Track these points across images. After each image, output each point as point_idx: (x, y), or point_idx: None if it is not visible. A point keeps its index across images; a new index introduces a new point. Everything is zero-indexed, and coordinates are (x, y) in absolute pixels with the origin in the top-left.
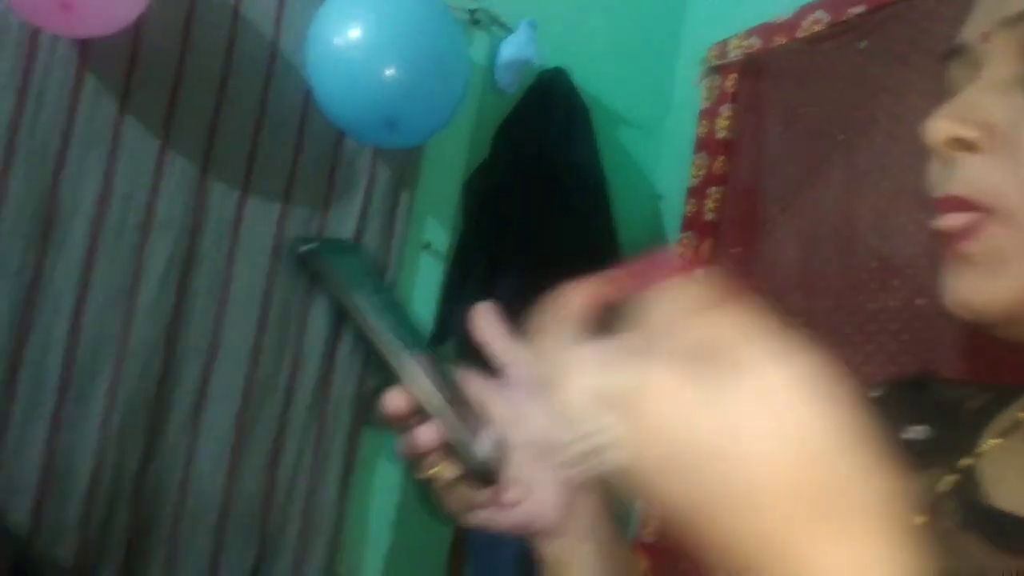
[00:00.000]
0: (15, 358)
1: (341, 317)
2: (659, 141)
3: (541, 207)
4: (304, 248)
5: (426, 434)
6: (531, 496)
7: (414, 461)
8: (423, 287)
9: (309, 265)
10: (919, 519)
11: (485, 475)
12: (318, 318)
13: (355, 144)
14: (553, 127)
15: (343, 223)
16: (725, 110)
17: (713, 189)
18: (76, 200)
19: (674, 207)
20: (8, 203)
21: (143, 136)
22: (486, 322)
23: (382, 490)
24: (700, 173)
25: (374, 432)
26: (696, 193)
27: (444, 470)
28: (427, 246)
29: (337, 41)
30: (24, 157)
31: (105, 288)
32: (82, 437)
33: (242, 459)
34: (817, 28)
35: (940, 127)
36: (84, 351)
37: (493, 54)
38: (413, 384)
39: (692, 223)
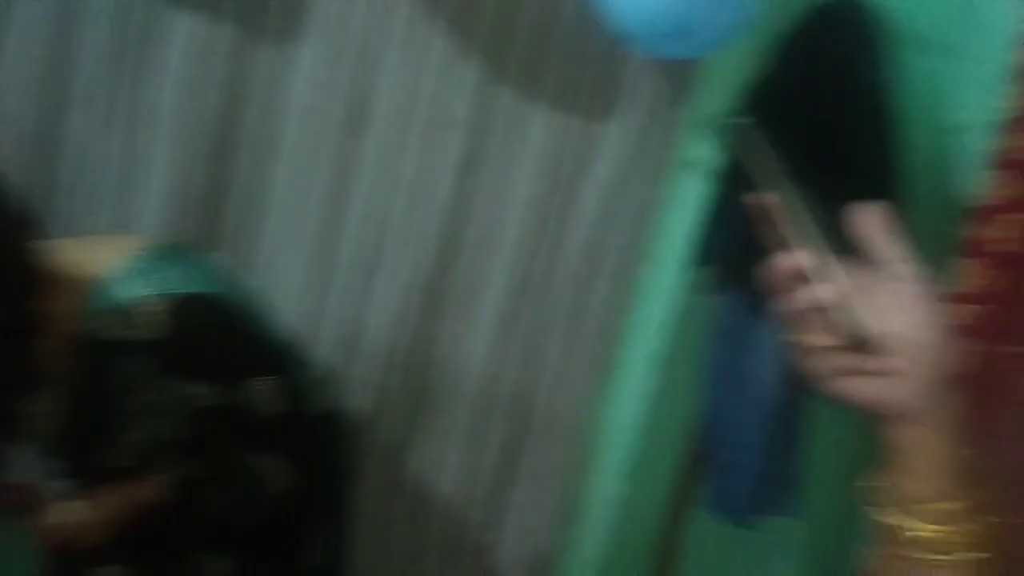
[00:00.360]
0: (322, 236)
1: (749, 182)
2: (963, 68)
3: (819, 130)
4: (737, 120)
5: (811, 296)
6: (897, 378)
7: (792, 322)
8: (689, 206)
9: (740, 135)
10: None
11: (859, 344)
12: (580, 231)
13: (637, 54)
14: (841, 45)
15: (620, 133)
16: None
17: None
18: (377, 95)
19: (976, 142)
20: (325, 96)
21: (436, 38)
22: (872, 218)
23: (632, 398)
24: (1019, 105)
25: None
26: (1012, 127)
27: (819, 335)
28: (694, 163)
29: None
30: (338, 53)
31: (399, 178)
32: (374, 309)
33: (506, 349)
34: None
35: None
36: (377, 235)
37: None
38: (809, 250)
39: (1004, 161)
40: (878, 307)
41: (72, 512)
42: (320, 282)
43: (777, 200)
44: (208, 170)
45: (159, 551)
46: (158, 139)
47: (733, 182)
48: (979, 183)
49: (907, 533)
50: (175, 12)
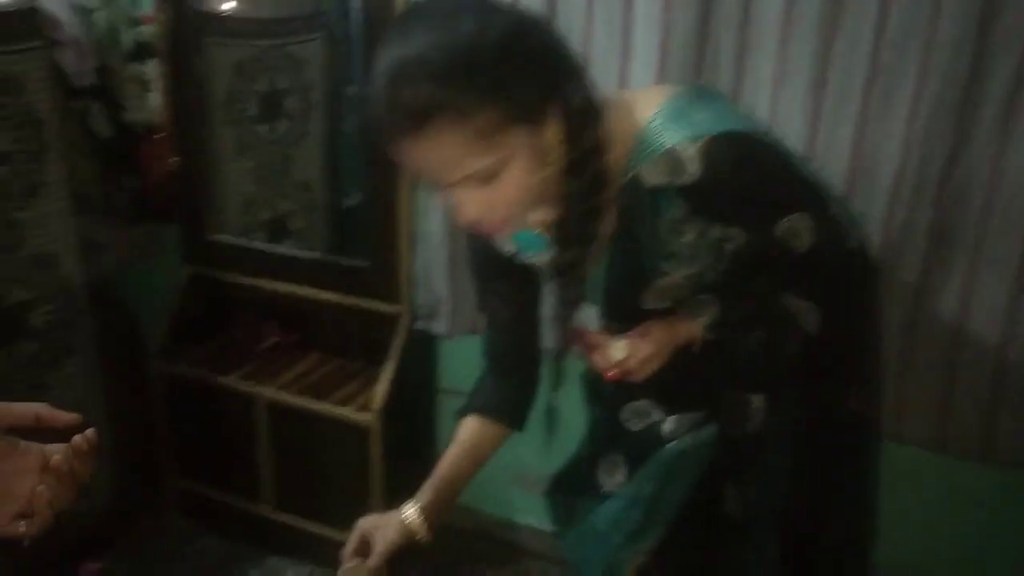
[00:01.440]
0: (823, 57)
1: None
2: None
3: None
4: None
5: None
6: None
7: None
8: None
9: None
10: None
11: None
12: None
13: None
14: None
15: None
16: None
17: None
18: None
19: None
20: None
21: None
22: None
23: None
24: None
25: None
26: None
27: None
28: None
29: None
30: None
31: None
32: (887, 135)
33: None
34: None
35: None
36: (890, 48)
37: None
38: None
39: None
40: None
41: (620, 350)
42: (819, 114)
43: None
44: (697, 6)
45: (693, 388)
46: None
47: None
48: None
49: None
50: None
